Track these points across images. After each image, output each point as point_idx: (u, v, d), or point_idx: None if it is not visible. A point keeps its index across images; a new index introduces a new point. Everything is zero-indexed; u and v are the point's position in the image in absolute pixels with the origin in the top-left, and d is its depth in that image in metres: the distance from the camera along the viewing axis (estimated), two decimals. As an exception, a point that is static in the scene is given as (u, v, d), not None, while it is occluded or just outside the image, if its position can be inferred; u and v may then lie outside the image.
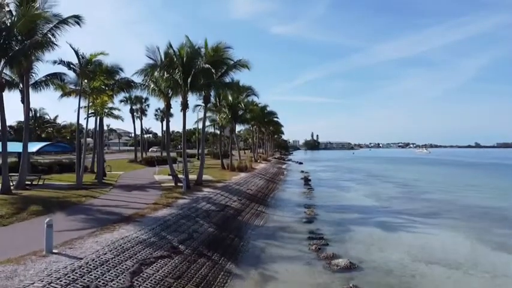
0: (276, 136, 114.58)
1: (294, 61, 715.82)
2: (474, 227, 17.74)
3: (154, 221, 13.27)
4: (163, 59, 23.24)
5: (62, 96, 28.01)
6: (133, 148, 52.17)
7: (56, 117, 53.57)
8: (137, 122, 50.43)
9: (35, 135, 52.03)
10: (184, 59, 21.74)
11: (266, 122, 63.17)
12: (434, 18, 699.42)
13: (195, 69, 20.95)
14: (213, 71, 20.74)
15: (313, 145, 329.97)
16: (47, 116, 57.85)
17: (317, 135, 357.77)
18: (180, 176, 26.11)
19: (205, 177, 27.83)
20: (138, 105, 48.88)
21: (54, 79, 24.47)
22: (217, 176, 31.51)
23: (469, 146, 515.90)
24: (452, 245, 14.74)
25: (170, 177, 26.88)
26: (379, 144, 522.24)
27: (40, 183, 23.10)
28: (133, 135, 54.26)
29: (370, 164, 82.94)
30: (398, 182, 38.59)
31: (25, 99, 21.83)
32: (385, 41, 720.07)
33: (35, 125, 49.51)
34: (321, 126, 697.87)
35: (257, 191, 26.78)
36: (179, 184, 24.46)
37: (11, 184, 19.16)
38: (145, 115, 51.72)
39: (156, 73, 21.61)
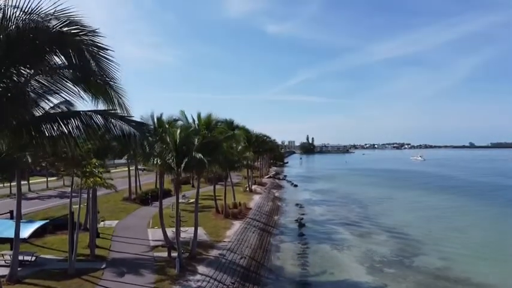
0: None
1: (290, 60, 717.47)
2: None
3: None
4: (156, 126, 23.38)
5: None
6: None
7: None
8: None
9: (28, 169, 51.78)
10: (177, 141, 21.71)
11: (261, 151, 63.34)
12: (429, 17, 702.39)
13: (188, 157, 20.93)
14: (206, 160, 20.67)
15: (308, 149, 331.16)
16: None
17: (312, 138, 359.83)
18: (171, 231, 26.10)
19: (198, 233, 27.65)
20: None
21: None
22: (211, 231, 31.71)
23: (464, 147, 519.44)
24: None
25: (163, 234, 27.03)
26: (374, 145, 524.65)
27: (33, 259, 23.12)
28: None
29: (363, 185, 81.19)
30: (392, 230, 38.64)
31: (17, 188, 21.71)
32: (380, 40, 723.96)
33: (28, 160, 49.22)
34: (317, 125, 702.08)
35: (251, 258, 26.99)
36: (173, 255, 24.50)
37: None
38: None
39: (150, 161, 21.72)
